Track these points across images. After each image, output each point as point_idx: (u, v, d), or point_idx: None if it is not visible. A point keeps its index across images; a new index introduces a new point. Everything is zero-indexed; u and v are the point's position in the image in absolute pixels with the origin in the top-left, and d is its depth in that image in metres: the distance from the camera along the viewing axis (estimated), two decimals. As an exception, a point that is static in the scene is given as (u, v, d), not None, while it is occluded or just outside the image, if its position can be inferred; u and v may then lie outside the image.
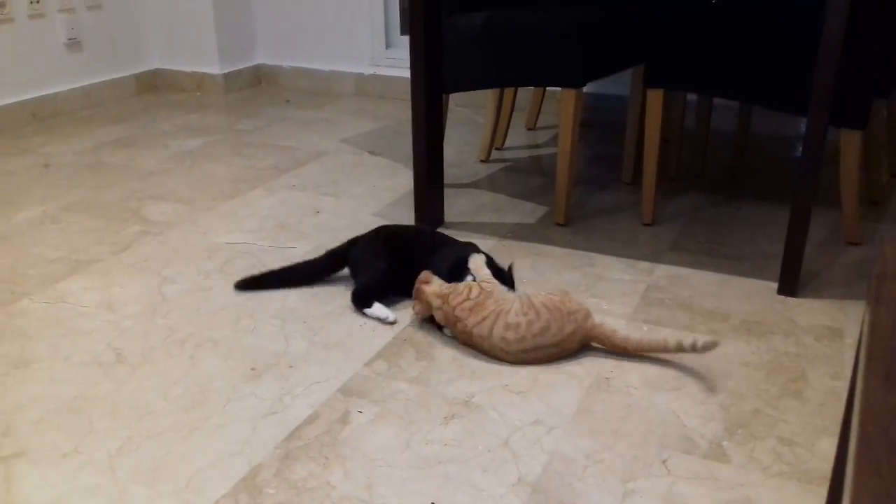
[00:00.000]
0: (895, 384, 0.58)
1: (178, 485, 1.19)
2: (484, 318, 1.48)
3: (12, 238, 2.04)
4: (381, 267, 1.70)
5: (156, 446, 1.27)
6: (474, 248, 1.72)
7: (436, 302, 1.54)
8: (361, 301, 1.66)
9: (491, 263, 1.65)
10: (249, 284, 1.77)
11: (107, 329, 1.61)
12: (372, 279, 1.69)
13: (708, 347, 1.42)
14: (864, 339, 0.66)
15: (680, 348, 1.45)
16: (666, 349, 1.47)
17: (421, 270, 1.61)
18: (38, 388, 1.42)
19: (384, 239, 1.77)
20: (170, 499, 1.16)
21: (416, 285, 1.58)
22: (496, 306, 1.50)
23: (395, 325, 1.62)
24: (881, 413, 0.55)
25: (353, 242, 1.80)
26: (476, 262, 1.63)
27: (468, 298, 1.51)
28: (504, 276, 1.63)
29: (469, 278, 1.61)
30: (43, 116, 3.11)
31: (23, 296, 1.75)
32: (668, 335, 1.47)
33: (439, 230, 2.07)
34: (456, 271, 1.64)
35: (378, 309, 1.64)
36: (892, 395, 0.57)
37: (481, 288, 1.53)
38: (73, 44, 3.21)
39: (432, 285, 1.57)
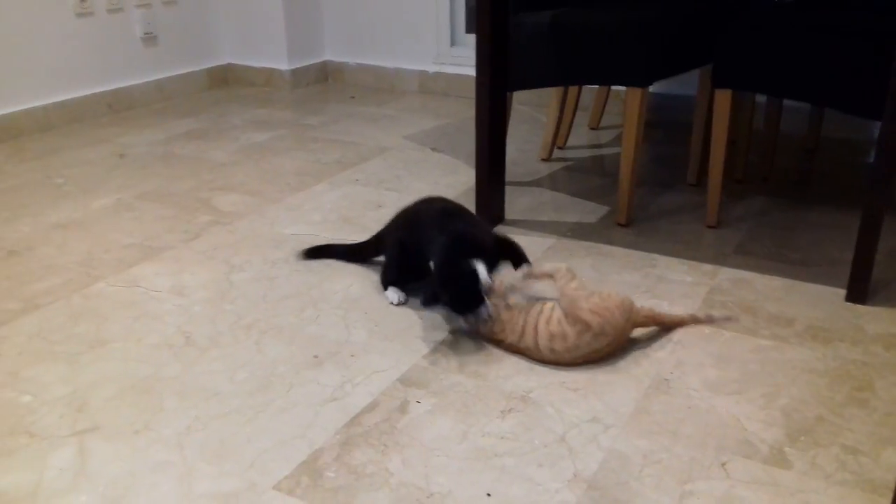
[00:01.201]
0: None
1: (243, 464, 1.23)
2: (523, 332, 1.49)
3: (89, 224, 2.13)
4: (394, 256, 1.76)
5: (222, 427, 1.31)
6: (462, 231, 1.58)
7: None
8: (383, 284, 1.77)
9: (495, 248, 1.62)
10: (313, 253, 1.93)
11: (177, 313, 1.67)
12: (385, 267, 1.78)
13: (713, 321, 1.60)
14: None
15: (695, 319, 1.61)
16: (683, 322, 1.61)
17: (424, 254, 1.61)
18: (112, 367, 1.48)
19: (401, 225, 1.77)
20: (234, 478, 1.20)
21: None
22: (527, 315, 1.50)
23: (454, 320, 1.63)
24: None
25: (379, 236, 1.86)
26: (493, 283, 1.52)
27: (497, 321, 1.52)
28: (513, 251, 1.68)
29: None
30: (119, 108, 3.22)
31: (99, 279, 1.82)
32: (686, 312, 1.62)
33: (501, 227, 2.08)
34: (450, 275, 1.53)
35: (389, 292, 1.73)
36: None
37: (507, 305, 1.52)
38: (149, 38, 3.32)
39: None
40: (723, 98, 2.02)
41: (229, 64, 3.70)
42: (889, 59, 1.54)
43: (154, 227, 2.10)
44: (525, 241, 2.00)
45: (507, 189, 2.17)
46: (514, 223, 2.12)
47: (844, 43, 1.84)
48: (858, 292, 1.69)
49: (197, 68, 3.57)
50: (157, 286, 1.79)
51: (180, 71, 3.49)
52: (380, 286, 1.77)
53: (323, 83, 3.76)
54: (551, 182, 2.44)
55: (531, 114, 3.21)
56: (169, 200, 2.29)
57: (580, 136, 2.89)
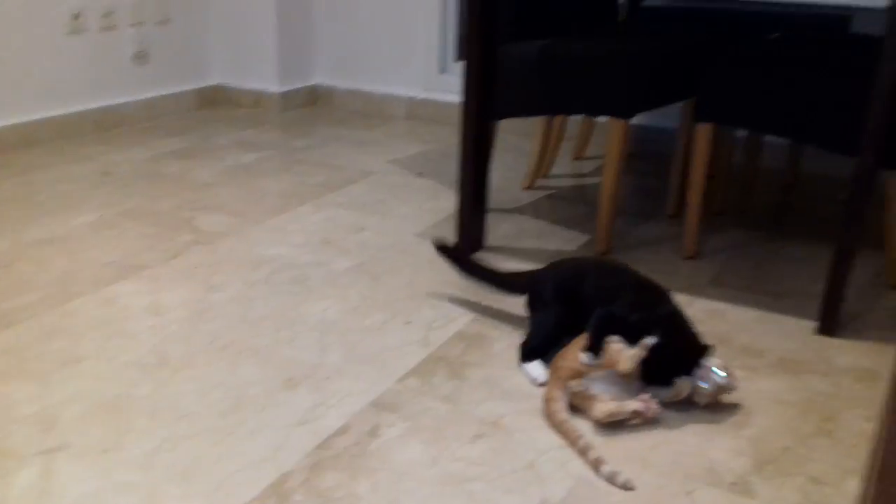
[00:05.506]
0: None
1: (210, 486, 1.22)
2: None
3: (70, 241, 2.13)
4: (551, 322, 1.59)
5: (191, 448, 1.31)
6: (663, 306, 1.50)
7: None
8: (525, 356, 1.57)
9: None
10: (445, 251, 1.81)
11: (152, 332, 1.67)
12: (539, 336, 1.59)
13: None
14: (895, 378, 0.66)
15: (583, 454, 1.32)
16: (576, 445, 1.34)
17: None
18: (83, 385, 1.48)
19: (561, 284, 1.62)
20: (200, 499, 1.19)
21: None
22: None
23: (429, 344, 1.64)
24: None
25: (535, 277, 1.70)
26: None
27: None
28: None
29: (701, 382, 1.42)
30: (107, 126, 3.23)
31: (76, 296, 1.82)
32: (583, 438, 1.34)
33: (481, 253, 2.09)
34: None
35: (532, 367, 1.54)
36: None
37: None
38: (141, 56, 3.34)
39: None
40: (703, 132, 2.05)
41: (219, 84, 3.72)
42: (865, 96, 1.57)
43: (134, 246, 2.11)
44: (505, 267, 2.01)
45: (490, 216, 2.19)
46: (495, 249, 2.13)
47: (824, 81, 1.87)
48: (829, 325, 1.70)
49: (187, 88, 3.58)
50: (134, 305, 1.79)
51: (170, 90, 3.50)
52: (358, 308, 1.77)
53: (312, 106, 3.78)
54: (533, 210, 2.46)
55: (516, 142, 3.24)
56: (151, 219, 2.30)
57: (564, 165, 2.92)
